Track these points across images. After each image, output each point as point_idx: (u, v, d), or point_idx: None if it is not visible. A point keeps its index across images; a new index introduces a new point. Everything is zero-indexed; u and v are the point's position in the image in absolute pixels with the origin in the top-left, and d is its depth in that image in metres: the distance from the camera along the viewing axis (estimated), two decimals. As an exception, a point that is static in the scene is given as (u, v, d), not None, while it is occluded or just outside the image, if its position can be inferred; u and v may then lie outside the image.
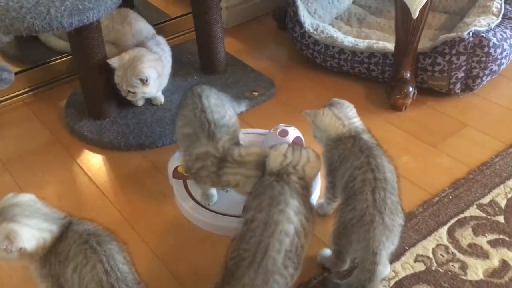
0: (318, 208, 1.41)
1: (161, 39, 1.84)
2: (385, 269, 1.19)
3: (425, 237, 1.34)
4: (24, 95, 1.98)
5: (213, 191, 1.41)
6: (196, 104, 1.31)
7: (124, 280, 1.00)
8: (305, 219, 1.06)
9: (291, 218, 1.04)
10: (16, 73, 1.93)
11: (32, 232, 1.01)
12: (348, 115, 1.28)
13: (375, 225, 1.09)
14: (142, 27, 1.81)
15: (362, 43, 1.89)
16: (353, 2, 2.30)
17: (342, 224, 1.16)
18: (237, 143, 1.30)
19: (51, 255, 1.03)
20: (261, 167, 1.20)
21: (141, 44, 1.75)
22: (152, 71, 1.67)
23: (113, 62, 1.65)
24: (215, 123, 1.28)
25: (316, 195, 1.46)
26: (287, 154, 1.15)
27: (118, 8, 1.75)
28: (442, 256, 1.29)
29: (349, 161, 1.20)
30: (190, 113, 1.32)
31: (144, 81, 1.66)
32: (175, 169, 1.47)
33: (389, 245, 1.12)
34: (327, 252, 1.28)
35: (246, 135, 1.67)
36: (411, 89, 1.77)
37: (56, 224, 1.04)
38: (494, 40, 1.72)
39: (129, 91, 1.69)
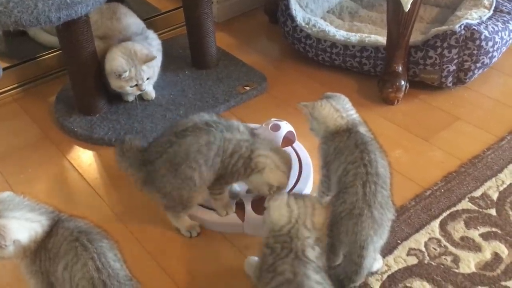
0: None
1: (150, 34, 1.82)
2: (375, 263, 1.19)
3: (417, 231, 1.34)
4: (13, 91, 1.95)
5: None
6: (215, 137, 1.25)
7: (115, 276, 0.99)
8: None
9: None
10: (4, 69, 1.91)
11: (21, 223, 1.00)
12: (345, 107, 1.27)
13: (363, 218, 1.09)
14: (131, 22, 1.78)
15: (354, 37, 1.88)
16: (345, -4, 2.29)
17: (333, 217, 1.15)
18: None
19: (41, 250, 1.02)
20: (290, 167, 1.25)
21: (128, 39, 1.72)
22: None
23: (124, 71, 1.62)
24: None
25: (309, 189, 1.46)
26: (290, 204, 1.07)
27: (109, 2, 1.73)
28: (435, 249, 1.29)
29: (343, 155, 1.19)
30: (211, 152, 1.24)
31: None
32: None
33: (378, 239, 1.11)
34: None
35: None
36: (403, 82, 1.77)
37: (44, 215, 1.03)
38: (486, 33, 1.72)
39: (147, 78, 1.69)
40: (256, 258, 1.19)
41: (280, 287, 0.97)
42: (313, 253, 1.02)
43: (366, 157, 1.16)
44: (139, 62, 1.63)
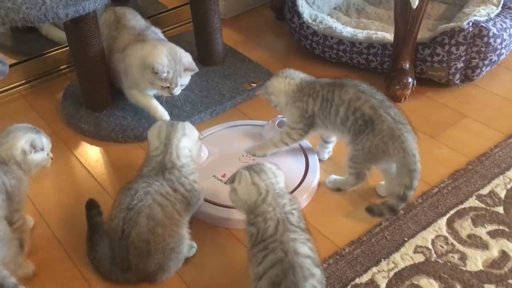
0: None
1: (155, 30, 1.80)
2: None
3: (424, 228, 1.34)
4: (21, 87, 1.96)
5: None
6: None
7: None
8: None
9: None
10: (12, 65, 1.92)
11: None
12: (291, 72, 1.47)
13: (405, 134, 1.30)
14: (134, 24, 1.76)
15: (361, 34, 1.88)
16: (352, -7, 2.28)
17: (365, 150, 1.33)
18: None
19: None
20: None
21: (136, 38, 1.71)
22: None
23: (162, 68, 1.54)
24: None
25: (316, 182, 1.46)
26: (255, 181, 1.12)
27: (114, 11, 1.73)
28: (442, 247, 1.29)
29: (334, 99, 1.36)
30: None
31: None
32: None
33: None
34: (334, 177, 1.46)
35: (244, 127, 1.67)
36: (410, 80, 1.76)
37: None
38: (494, 30, 1.71)
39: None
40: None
41: (273, 267, 0.99)
42: (294, 218, 1.08)
43: (366, 90, 1.36)
44: (180, 68, 1.59)
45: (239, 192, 1.13)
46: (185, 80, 1.63)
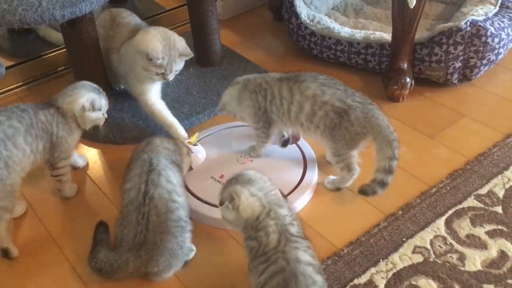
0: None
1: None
2: None
3: (422, 228, 1.34)
4: (18, 89, 1.96)
5: None
6: None
7: None
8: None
9: None
10: (9, 67, 1.92)
11: None
12: (241, 78, 1.49)
13: (376, 111, 1.35)
14: (130, 19, 1.75)
15: (359, 34, 1.87)
16: (350, -7, 2.28)
17: (347, 139, 1.36)
18: None
19: None
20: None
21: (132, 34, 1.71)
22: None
23: (156, 54, 1.52)
24: None
25: (316, 179, 1.46)
26: (253, 192, 1.08)
27: (110, 12, 1.73)
28: (440, 247, 1.29)
29: (294, 96, 1.37)
30: None
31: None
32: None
33: None
34: (332, 177, 1.47)
35: (242, 128, 1.66)
36: (408, 79, 1.76)
37: None
38: (492, 29, 1.71)
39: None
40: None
41: (274, 277, 0.99)
42: (294, 228, 1.06)
43: (327, 82, 1.38)
44: (175, 54, 1.56)
45: (241, 209, 1.07)
46: (179, 65, 1.61)
